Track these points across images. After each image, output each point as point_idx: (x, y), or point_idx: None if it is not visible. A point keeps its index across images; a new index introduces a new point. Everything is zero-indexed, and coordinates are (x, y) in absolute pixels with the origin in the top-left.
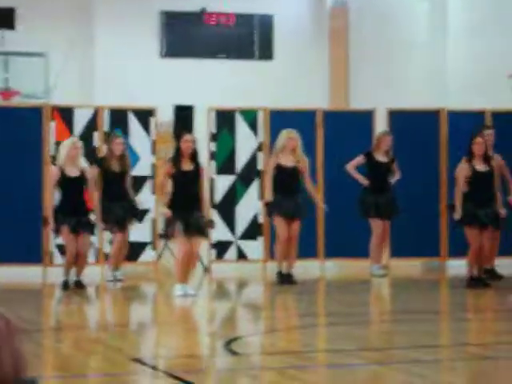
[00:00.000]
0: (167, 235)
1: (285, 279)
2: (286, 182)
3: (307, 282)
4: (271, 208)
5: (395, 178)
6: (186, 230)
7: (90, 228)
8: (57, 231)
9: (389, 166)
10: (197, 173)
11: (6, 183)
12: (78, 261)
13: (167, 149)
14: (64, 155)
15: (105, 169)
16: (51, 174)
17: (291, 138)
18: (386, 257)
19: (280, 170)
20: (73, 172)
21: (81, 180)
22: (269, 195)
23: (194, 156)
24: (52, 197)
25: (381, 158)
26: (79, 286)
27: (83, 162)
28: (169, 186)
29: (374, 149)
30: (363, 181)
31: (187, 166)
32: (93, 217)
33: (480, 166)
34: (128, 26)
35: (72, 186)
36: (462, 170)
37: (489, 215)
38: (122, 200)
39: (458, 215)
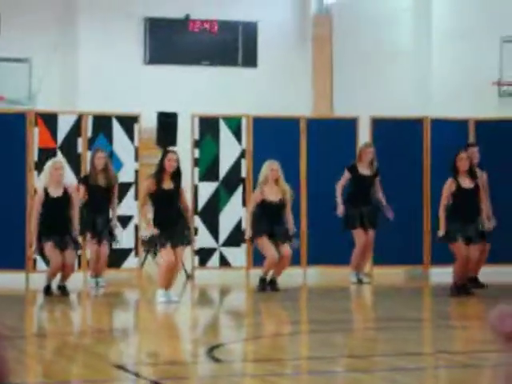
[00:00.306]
0: (154, 252)
1: (267, 286)
2: (271, 216)
3: (290, 289)
4: (255, 234)
5: (379, 195)
6: (170, 242)
7: (74, 245)
8: (40, 250)
9: (372, 179)
10: (177, 192)
11: None
12: (63, 270)
13: (150, 155)
14: (47, 177)
15: (91, 184)
16: (37, 197)
17: (273, 169)
18: (369, 265)
19: (265, 205)
20: (56, 192)
21: (64, 200)
22: (249, 232)
23: (176, 175)
24: (35, 222)
25: (364, 170)
26: (63, 291)
27: (69, 173)
28: (149, 204)
29: (357, 161)
30: (340, 210)
31: (168, 184)
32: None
33: (465, 183)
34: (112, 32)
35: (55, 206)
36: (447, 187)
37: (474, 231)
38: (104, 214)
39: (441, 233)
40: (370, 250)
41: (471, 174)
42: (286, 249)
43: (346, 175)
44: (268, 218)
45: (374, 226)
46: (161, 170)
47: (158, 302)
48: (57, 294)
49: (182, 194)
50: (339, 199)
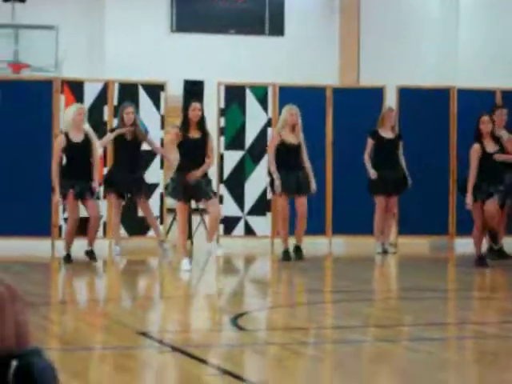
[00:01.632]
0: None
1: (292, 254)
2: (290, 158)
3: (315, 258)
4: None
5: (401, 161)
6: (188, 194)
7: (93, 195)
8: (63, 197)
9: (395, 141)
10: (204, 140)
11: (16, 157)
12: (89, 227)
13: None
14: (69, 121)
15: (118, 139)
16: (58, 141)
17: (292, 114)
18: (394, 234)
19: (284, 147)
20: (77, 137)
21: (85, 145)
22: (275, 172)
23: (201, 124)
24: (57, 166)
25: (387, 134)
26: (92, 256)
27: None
28: (175, 153)
29: (378, 126)
30: (373, 175)
31: (195, 133)
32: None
33: (490, 147)
34: (138, 0)
35: (77, 151)
36: (474, 153)
37: (497, 191)
38: (130, 172)
39: (469, 200)
40: (391, 216)
41: (494, 137)
42: (302, 205)
43: (370, 142)
44: (286, 163)
45: (398, 191)
46: (186, 119)
47: (182, 269)
48: (86, 259)
49: (208, 142)
50: (369, 166)
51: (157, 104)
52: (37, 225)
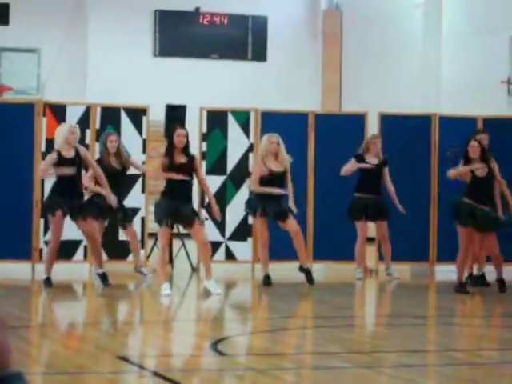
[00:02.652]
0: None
1: (271, 280)
2: (274, 186)
3: (295, 284)
4: (254, 207)
5: (390, 186)
6: (173, 220)
7: (88, 210)
8: (51, 213)
9: (380, 168)
10: (191, 164)
11: None
12: (90, 248)
13: (158, 148)
14: (61, 140)
15: (104, 167)
16: (50, 155)
17: (272, 141)
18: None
19: (268, 175)
20: (68, 153)
21: (76, 161)
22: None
23: (186, 149)
24: (42, 174)
25: (371, 160)
26: (104, 280)
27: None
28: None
29: (363, 152)
30: (366, 165)
31: (180, 158)
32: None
33: (478, 172)
34: (122, 24)
35: (68, 167)
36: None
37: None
38: (118, 197)
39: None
40: (385, 244)
41: (483, 160)
42: (290, 226)
43: (352, 162)
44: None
45: (383, 217)
46: (171, 145)
47: (162, 295)
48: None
49: (196, 165)
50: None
51: (139, 128)
52: (17, 248)
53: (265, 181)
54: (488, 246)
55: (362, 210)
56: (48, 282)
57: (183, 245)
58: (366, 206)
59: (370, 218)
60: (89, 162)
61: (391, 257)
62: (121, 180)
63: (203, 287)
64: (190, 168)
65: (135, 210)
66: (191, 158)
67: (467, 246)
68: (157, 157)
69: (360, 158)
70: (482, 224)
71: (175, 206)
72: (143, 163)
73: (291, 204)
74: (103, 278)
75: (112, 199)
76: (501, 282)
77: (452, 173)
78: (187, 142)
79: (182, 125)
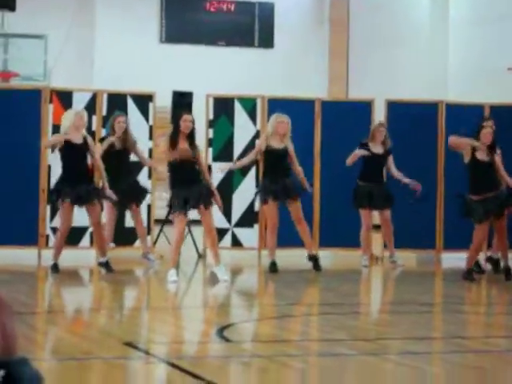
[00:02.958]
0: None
1: (277, 267)
2: (277, 165)
3: (301, 270)
4: (262, 193)
5: (396, 173)
6: (186, 204)
7: (95, 196)
8: (61, 200)
9: (385, 156)
10: (194, 153)
11: (4, 166)
12: (94, 236)
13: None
14: (68, 124)
15: (107, 149)
16: (55, 136)
17: (283, 121)
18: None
19: (270, 153)
20: (77, 139)
21: (84, 147)
22: (234, 166)
23: (191, 136)
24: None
25: (376, 149)
26: (107, 268)
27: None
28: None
29: (370, 140)
30: (365, 152)
31: (183, 145)
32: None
33: (479, 153)
34: (128, 10)
35: (76, 153)
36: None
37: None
38: (123, 180)
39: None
40: (387, 231)
41: (491, 147)
42: (294, 210)
43: (358, 152)
44: (272, 169)
45: (387, 205)
46: (176, 131)
47: (169, 281)
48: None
49: (199, 159)
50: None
51: (145, 115)
52: (23, 234)
53: (267, 159)
54: (498, 230)
55: (365, 198)
56: (55, 268)
57: (189, 231)
58: (369, 194)
59: (373, 206)
60: (93, 153)
61: (395, 244)
62: (122, 160)
63: (211, 272)
64: (193, 155)
65: (146, 191)
66: (195, 148)
67: (481, 240)
68: (162, 138)
69: (364, 146)
70: (493, 213)
71: (189, 191)
72: (150, 150)
73: (305, 184)
74: (106, 266)
75: (109, 193)
76: (507, 270)
77: (453, 139)
78: (193, 128)
79: (189, 111)
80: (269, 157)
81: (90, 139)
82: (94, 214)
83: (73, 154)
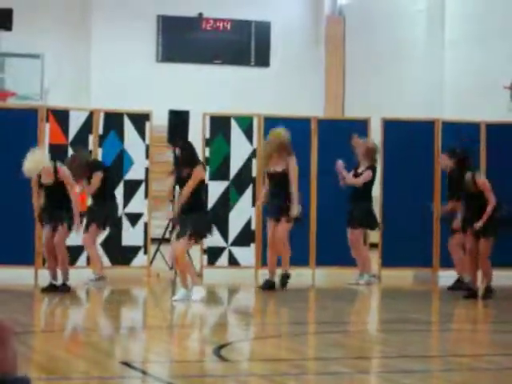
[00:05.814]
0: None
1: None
2: (273, 187)
3: (298, 289)
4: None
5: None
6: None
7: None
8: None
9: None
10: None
11: (1, 185)
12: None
13: (161, 154)
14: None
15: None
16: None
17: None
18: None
19: (269, 176)
20: (47, 179)
21: (55, 185)
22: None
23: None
24: (36, 199)
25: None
26: (64, 289)
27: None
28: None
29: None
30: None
31: (187, 170)
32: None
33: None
34: (125, 30)
35: (47, 192)
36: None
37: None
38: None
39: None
40: (355, 248)
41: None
42: (276, 231)
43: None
44: (271, 191)
45: (357, 225)
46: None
47: (194, 299)
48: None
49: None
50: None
51: (142, 134)
52: (20, 253)
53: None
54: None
55: (348, 217)
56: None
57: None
58: (350, 212)
59: (353, 225)
60: (70, 185)
61: (392, 262)
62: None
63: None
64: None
65: (138, 215)
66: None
67: (474, 254)
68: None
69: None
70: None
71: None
72: (146, 169)
73: (293, 209)
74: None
75: (77, 222)
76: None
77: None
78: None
79: (186, 131)
80: (268, 180)
81: (62, 171)
82: (56, 236)
83: (44, 193)
